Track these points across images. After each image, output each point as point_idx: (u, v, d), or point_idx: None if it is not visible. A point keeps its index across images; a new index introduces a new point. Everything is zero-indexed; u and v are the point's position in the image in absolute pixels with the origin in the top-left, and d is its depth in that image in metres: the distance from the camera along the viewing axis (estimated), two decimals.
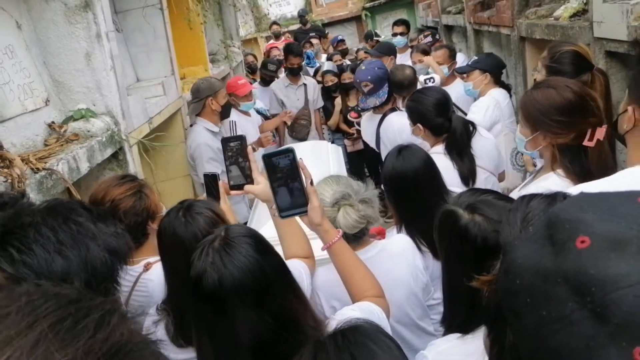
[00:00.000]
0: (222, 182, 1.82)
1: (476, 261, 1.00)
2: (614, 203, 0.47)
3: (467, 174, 2.14)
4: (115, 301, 0.44)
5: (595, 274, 0.41)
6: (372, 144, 3.34)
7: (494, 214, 1.02)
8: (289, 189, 1.19)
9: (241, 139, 1.34)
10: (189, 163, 3.24)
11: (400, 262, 1.61)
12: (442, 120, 2.20)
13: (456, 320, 1.07)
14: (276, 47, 7.14)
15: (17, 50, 2.03)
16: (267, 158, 1.18)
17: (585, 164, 1.48)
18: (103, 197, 1.48)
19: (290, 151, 1.17)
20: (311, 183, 1.20)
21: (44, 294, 0.41)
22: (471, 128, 2.21)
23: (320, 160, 3.34)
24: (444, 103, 2.24)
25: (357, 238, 1.53)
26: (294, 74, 4.50)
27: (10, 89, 1.93)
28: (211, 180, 1.57)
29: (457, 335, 1.02)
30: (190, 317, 1.08)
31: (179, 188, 3.50)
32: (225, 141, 1.33)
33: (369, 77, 3.01)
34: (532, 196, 0.64)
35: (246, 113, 3.75)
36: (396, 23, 5.03)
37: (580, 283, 0.42)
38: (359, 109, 3.66)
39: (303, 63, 6.05)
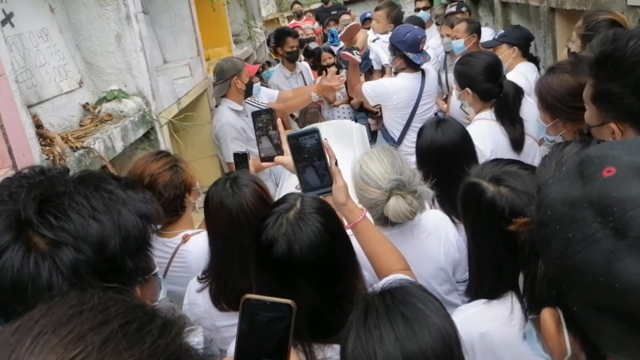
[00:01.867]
0: (252, 160, 1.87)
1: (503, 232, 1.02)
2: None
3: (519, 139, 2.14)
4: (177, 314, 0.46)
5: (617, 196, 0.45)
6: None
7: (519, 185, 1.03)
8: (314, 168, 1.22)
9: (271, 111, 1.37)
10: (215, 143, 3.29)
11: (432, 237, 1.61)
12: (493, 85, 2.18)
13: (483, 289, 1.09)
14: (299, 26, 7.11)
15: (51, 33, 2.09)
16: (292, 138, 1.21)
17: None
18: (142, 172, 1.54)
19: (315, 131, 1.21)
20: (336, 163, 1.23)
21: (112, 297, 0.43)
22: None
23: (345, 139, 3.34)
24: (495, 67, 2.21)
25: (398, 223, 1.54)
26: (293, 59, 4.26)
27: (46, 71, 2.00)
28: (241, 159, 1.61)
29: (484, 300, 1.04)
30: (233, 282, 1.12)
31: (206, 168, 3.56)
32: (255, 114, 1.37)
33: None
34: (567, 143, 0.67)
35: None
36: None
37: (603, 205, 0.46)
38: None
39: (327, 42, 6.04)
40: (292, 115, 4.36)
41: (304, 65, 4.57)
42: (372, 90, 3.05)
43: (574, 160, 0.53)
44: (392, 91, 3.01)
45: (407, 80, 2.98)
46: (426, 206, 1.70)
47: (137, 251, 0.81)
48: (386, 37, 3.81)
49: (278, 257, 0.98)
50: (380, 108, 4.39)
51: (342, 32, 3.25)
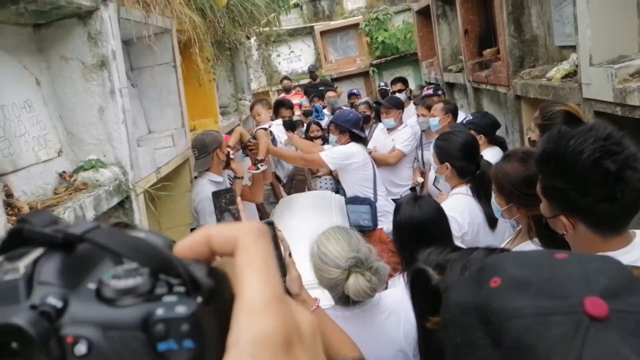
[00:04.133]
0: None
1: None
2: (531, 256, 0.55)
3: (494, 216, 2.22)
4: None
5: (496, 307, 0.49)
6: None
7: None
8: None
9: (230, 190, 1.45)
10: (193, 215, 3.32)
11: (392, 318, 1.61)
12: (470, 162, 2.29)
13: None
14: (288, 99, 7.42)
15: (34, 105, 2.18)
16: None
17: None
18: None
19: (271, 223, 1.27)
20: (290, 255, 1.29)
21: None
22: None
23: (324, 209, 3.41)
24: (473, 146, 2.35)
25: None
26: (286, 128, 4.42)
27: (25, 141, 2.06)
28: None
29: None
30: None
31: (183, 235, 3.54)
32: (216, 194, 1.43)
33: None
34: (474, 249, 0.71)
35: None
36: (393, 81, 5.23)
37: (486, 314, 0.49)
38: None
39: (312, 116, 6.29)
40: (279, 180, 4.45)
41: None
42: (333, 155, 3.40)
43: (476, 266, 0.58)
44: (354, 153, 3.38)
45: (356, 147, 3.43)
46: (386, 284, 1.72)
47: None
48: (276, 123, 4.33)
49: None
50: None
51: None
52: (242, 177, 3.30)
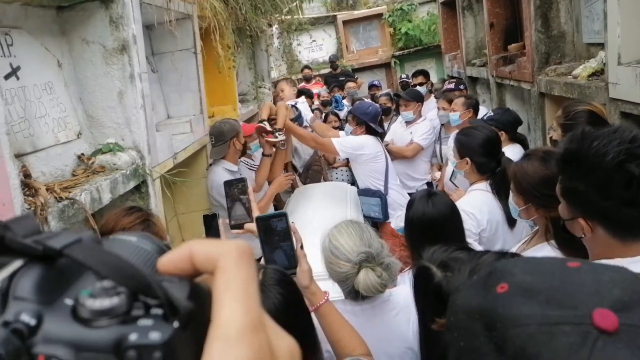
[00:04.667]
0: (222, 221, 1.88)
1: None
2: (542, 263, 0.53)
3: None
4: None
5: (502, 313, 0.47)
6: None
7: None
8: (281, 250, 1.27)
9: (243, 180, 1.43)
10: (210, 202, 3.34)
11: (402, 314, 1.59)
12: (491, 159, 2.26)
13: None
14: (308, 88, 7.39)
15: (55, 87, 2.20)
16: (261, 220, 1.27)
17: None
18: (113, 226, 1.59)
19: (284, 215, 1.27)
20: (301, 247, 1.28)
21: None
22: None
23: (339, 200, 3.41)
24: (495, 142, 2.31)
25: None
26: None
27: (45, 122, 2.09)
28: (211, 220, 1.64)
29: None
30: None
31: (199, 221, 3.58)
32: (228, 183, 1.42)
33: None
34: (484, 252, 0.69)
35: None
36: (415, 74, 5.15)
37: (490, 320, 0.48)
38: None
39: (332, 107, 6.26)
40: (295, 170, 4.46)
41: None
42: (345, 143, 3.37)
43: (484, 270, 0.56)
44: (367, 144, 3.35)
45: (368, 139, 3.41)
46: (397, 280, 1.70)
47: None
48: (301, 100, 4.36)
49: None
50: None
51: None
52: (270, 155, 3.28)
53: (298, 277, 1.26)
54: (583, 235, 1.13)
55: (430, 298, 1.08)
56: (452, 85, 4.71)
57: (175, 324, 0.26)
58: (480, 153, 2.27)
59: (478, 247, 2.16)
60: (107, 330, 0.25)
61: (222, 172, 3.12)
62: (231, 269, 0.27)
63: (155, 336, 0.25)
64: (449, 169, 3.44)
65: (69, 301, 0.27)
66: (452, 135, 3.70)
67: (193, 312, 0.27)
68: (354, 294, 1.51)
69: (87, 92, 2.39)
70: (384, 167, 3.45)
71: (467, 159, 2.28)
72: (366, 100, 4.00)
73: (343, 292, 1.55)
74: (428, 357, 1.13)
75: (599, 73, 2.83)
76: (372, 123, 3.41)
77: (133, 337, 0.25)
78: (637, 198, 0.99)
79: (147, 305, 0.26)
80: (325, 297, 1.28)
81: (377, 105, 3.95)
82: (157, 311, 0.26)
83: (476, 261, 0.66)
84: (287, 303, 1.03)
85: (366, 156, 3.38)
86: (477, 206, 2.18)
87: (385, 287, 1.49)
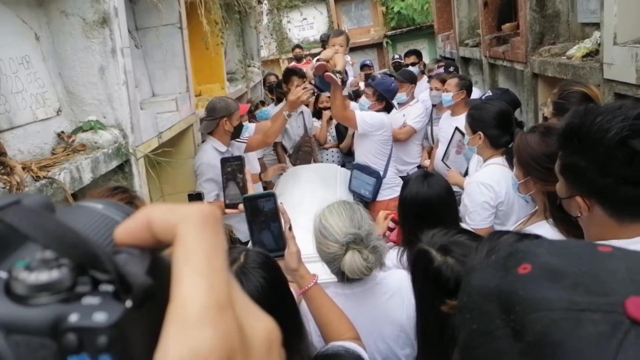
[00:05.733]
0: (218, 202, 1.84)
1: (447, 304, 0.99)
2: (570, 245, 0.49)
3: None
4: None
5: (522, 295, 0.43)
6: None
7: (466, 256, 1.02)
8: (269, 231, 1.22)
9: (240, 159, 1.38)
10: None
11: (395, 298, 1.56)
12: (504, 132, 2.22)
13: None
14: (300, 68, 7.26)
15: (33, 61, 2.10)
16: (248, 200, 1.21)
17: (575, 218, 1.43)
18: None
19: (272, 195, 1.22)
20: (290, 228, 1.23)
21: None
22: None
23: (328, 182, 3.36)
24: (508, 116, 2.28)
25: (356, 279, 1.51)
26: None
27: (22, 98, 2.00)
28: (195, 200, 1.58)
29: None
30: None
31: (185, 202, 3.53)
32: (224, 160, 1.37)
33: None
34: (504, 232, 0.66)
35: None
36: (407, 54, 5.07)
37: (509, 302, 0.44)
38: None
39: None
40: (285, 151, 4.38)
41: (305, 108, 4.62)
42: (368, 119, 3.26)
43: (504, 251, 0.52)
44: (386, 124, 3.29)
45: (388, 119, 3.39)
46: (388, 264, 1.67)
47: None
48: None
49: None
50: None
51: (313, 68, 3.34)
52: (289, 115, 3.20)
53: (286, 260, 1.22)
54: (579, 215, 1.11)
55: (429, 282, 1.04)
56: (441, 70, 4.63)
57: (128, 304, 0.22)
58: (494, 126, 2.23)
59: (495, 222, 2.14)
60: (45, 309, 0.21)
61: (210, 151, 3.06)
62: (192, 238, 0.23)
63: (100, 317, 0.21)
64: (440, 150, 3.40)
65: (2, 274, 0.22)
66: (445, 115, 3.66)
67: (151, 290, 0.23)
68: (340, 276, 1.48)
69: (66, 67, 2.30)
70: (389, 150, 3.42)
71: (480, 133, 2.24)
72: (386, 77, 3.80)
73: (332, 272, 1.52)
74: (424, 342, 1.10)
75: (594, 54, 2.79)
76: (391, 101, 3.38)
77: (73, 317, 0.21)
78: (638, 175, 0.97)
79: (96, 281, 0.22)
80: (314, 280, 1.24)
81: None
82: (107, 288, 0.22)
83: (495, 241, 0.62)
84: (270, 287, 0.99)
85: (381, 136, 3.33)
86: (495, 179, 2.15)
87: (371, 270, 1.45)
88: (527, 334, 0.41)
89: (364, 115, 3.29)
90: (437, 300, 1.04)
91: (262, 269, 1.01)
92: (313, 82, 3.25)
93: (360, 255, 1.40)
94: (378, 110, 3.35)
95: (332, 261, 1.45)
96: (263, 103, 5.17)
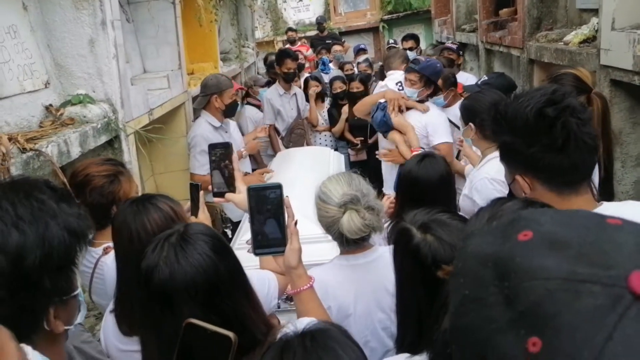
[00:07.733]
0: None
1: (425, 281, 0.98)
2: (577, 215, 0.47)
3: None
4: None
5: (519, 262, 0.41)
6: None
7: (445, 235, 1.01)
8: (270, 224, 1.14)
9: (227, 145, 1.33)
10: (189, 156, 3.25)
11: None
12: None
13: (407, 339, 1.05)
14: (294, 50, 7.16)
15: (20, 31, 2.05)
16: (252, 191, 1.12)
17: None
18: (81, 170, 1.52)
19: (279, 187, 1.13)
20: (295, 224, 1.16)
21: None
22: None
23: (321, 166, 3.33)
24: None
25: (356, 242, 1.50)
26: (289, 79, 4.26)
27: (9, 68, 1.95)
28: (194, 190, 1.54)
29: (406, 355, 0.99)
30: (133, 305, 1.07)
31: (177, 181, 3.50)
32: (211, 147, 1.33)
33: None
34: (508, 199, 0.64)
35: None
36: (404, 38, 5.01)
37: (505, 269, 0.42)
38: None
39: (318, 69, 6.09)
40: (278, 133, 4.34)
41: (298, 89, 4.57)
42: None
43: (506, 218, 0.50)
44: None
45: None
46: (383, 225, 1.65)
47: (58, 269, 0.76)
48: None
49: (160, 281, 0.94)
50: (361, 141, 4.40)
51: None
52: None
53: (287, 256, 1.16)
54: (524, 194, 1.14)
55: (408, 258, 1.04)
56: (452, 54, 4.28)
57: None
58: (486, 117, 2.16)
59: None
60: None
61: (205, 125, 3.06)
62: None
63: None
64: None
65: None
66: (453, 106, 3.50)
67: None
68: (340, 239, 1.47)
69: (55, 39, 2.24)
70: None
71: (471, 124, 2.15)
72: (429, 58, 3.36)
73: (332, 238, 1.51)
74: (403, 316, 1.09)
75: (591, 40, 2.77)
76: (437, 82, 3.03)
77: None
78: (557, 142, 1.03)
79: None
80: (310, 283, 1.20)
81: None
82: None
83: (498, 208, 0.59)
84: (211, 248, 0.97)
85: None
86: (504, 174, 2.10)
87: (369, 229, 1.44)
88: (520, 303, 0.39)
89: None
90: (415, 276, 1.04)
91: (203, 234, 0.99)
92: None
93: (358, 214, 1.39)
94: (426, 97, 3.01)
95: (332, 225, 1.44)
96: (270, 83, 5.03)
